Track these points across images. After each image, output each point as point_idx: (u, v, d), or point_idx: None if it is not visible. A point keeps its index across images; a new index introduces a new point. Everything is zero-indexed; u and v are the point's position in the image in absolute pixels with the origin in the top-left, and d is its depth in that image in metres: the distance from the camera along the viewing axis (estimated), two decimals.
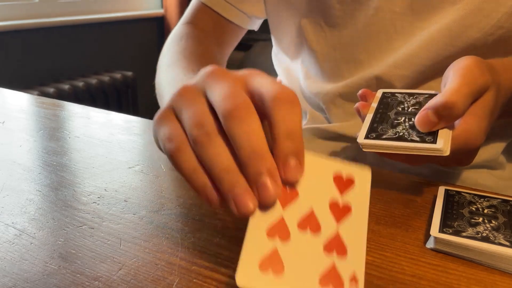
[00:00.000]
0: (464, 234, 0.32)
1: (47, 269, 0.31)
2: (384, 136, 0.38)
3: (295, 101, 0.28)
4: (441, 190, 0.40)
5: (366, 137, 0.38)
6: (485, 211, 0.36)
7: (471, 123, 0.37)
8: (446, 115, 0.36)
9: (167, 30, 2.49)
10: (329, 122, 0.61)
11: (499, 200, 0.38)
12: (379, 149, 0.38)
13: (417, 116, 0.37)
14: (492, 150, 0.53)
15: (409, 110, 0.41)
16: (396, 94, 0.44)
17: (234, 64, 2.76)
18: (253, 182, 0.25)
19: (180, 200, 0.40)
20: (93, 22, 2.12)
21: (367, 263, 0.31)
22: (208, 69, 0.30)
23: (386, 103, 0.43)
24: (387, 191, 0.42)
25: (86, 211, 0.38)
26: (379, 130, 0.39)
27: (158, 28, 2.51)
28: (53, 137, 0.56)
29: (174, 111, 0.29)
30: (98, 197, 0.41)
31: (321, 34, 0.59)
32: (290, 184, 0.26)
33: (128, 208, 0.39)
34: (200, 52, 0.58)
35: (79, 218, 0.37)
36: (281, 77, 0.70)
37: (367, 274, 0.30)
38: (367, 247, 0.33)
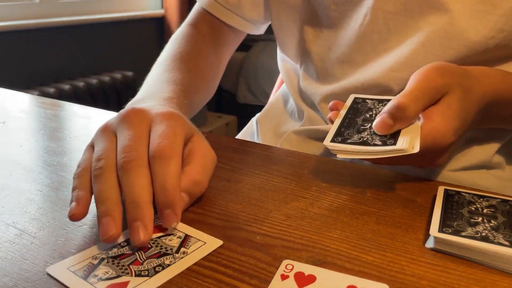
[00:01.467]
0: (463, 233, 0.32)
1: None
2: (349, 141, 0.40)
3: (168, 155, 0.34)
4: (441, 190, 0.40)
5: (332, 140, 0.41)
6: (485, 211, 0.36)
7: (438, 122, 0.39)
8: (399, 117, 0.39)
9: (167, 30, 2.49)
10: (326, 123, 0.61)
11: (498, 200, 0.38)
12: (345, 154, 0.40)
13: (375, 121, 0.41)
14: (488, 150, 0.53)
15: (376, 117, 0.43)
16: (367, 100, 0.46)
17: (234, 64, 2.76)
18: (129, 226, 0.32)
19: None
20: (93, 22, 2.12)
21: (367, 263, 0.31)
22: (124, 112, 0.38)
23: (356, 109, 0.45)
24: (387, 191, 0.42)
25: None
26: (345, 134, 0.41)
27: (158, 28, 2.51)
28: (54, 137, 0.56)
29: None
30: None
31: (318, 35, 0.60)
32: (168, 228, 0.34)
33: None
34: (192, 53, 0.61)
35: None
36: (284, 78, 0.70)
37: (367, 274, 0.30)
38: (366, 246, 0.33)
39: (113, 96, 2.11)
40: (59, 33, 1.99)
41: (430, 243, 0.33)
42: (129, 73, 2.17)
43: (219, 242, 0.33)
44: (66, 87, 1.88)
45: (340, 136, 0.41)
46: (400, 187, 0.43)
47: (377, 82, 0.53)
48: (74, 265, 0.31)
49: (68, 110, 0.68)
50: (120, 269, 0.30)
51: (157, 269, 0.30)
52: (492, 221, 0.34)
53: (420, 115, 0.41)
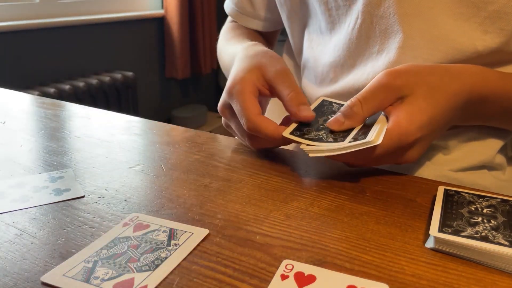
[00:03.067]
0: (463, 233, 0.33)
1: (48, 269, 0.31)
2: (306, 136, 0.44)
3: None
4: (441, 190, 0.40)
5: (291, 133, 0.45)
6: (484, 210, 0.36)
7: (401, 117, 0.42)
8: (348, 114, 0.44)
9: (167, 30, 2.49)
10: None
11: (498, 200, 0.38)
12: (310, 151, 0.42)
13: (330, 120, 0.45)
14: (489, 151, 0.53)
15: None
16: (333, 104, 0.50)
17: None
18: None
19: (180, 200, 0.40)
20: (93, 22, 2.12)
21: (366, 262, 0.31)
22: (226, 87, 0.49)
23: (321, 111, 0.49)
24: (387, 191, 0.42)
25: (86, 210, 0.38)
26: (304, 130, 0.45)
27: (158, 28, 2.51)
28: (54, 137, 0.56)
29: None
30: (99, 197, 0.41)
31: (314, 40, 0.61)
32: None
33: (129, 208, 0.39)
34: (247, 32, 0.74)
35: (79, 217, 0.37)
36: None
37: (367, 274, 0.30)
38: (366, 246, 0.33)
39: (113, 96, 2.11)
40: (59, 33, 1.99)
41: (430, 243, 0.33)
42: (129, 73, 2.17)
43: (206, 231, 0.35)
44: (66, 87, 1.88)
45: (299, 131, 0.45)
46: (400, 187, 0.43)
47: (366, 84, 0.53)
48: (68, 270, 0.30)
49: (68, 110, 0.68)
50: (119, 267, 0.30)
51: (156, 262, 0.31)
52: (492, 221, 0.34)
53: (386, 114, 0.44)
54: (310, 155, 0.42)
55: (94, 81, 2.00)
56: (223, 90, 0.50)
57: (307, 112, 0.45)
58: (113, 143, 0.54)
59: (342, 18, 0.56)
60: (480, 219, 0.35)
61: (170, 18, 2.46)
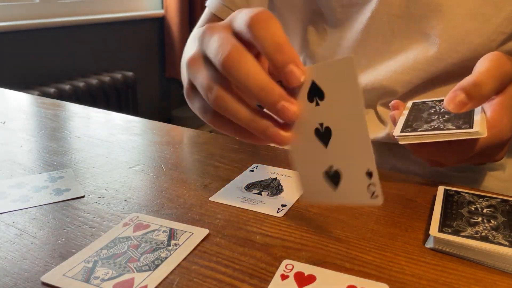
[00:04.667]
0: (463, 233, 0.33)
1: (48, 269, 0.31)
2: (420, 129, 0.38)
3: (268, 17, 0.30)
4: (441, 190, 0.40)
5: (402, 131, 0.39)
6: (484, 210, 0.36)
7: (502, 114, 0.37)
8: (474, 95, 0.36)
9: (167, 30, 2.49)
10: None
11: (498, 200, 0.38)
12: (415, 140, 0.37)
13: (447, 97, 0.37)
14: None
15: (441, 110, 0.41)
16: (426, 102, 0.45)
17: None
18: (282, 71, 0.29)
19: (180, 200, 0.40)
20: (93, 22, 2.12)
21: (366, 262, 0.31)
22: (201, 29, 0.34)
23: (417, 109, 0.43)
24: (387, 191, 0.42)
25: (86, 210, 0.38)
26: (414, 126, 0.39)
27: (158, 28, 2.51)
28: (54, 137, 0.56)
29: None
30: (99, 197, 0.41)
31: (323, 37, 0.60)
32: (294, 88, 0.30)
33: (129, 208, 0.39)
34: None
35: (79, 217, 0.37)
36: None
37: (367, 274, 0.30)
38: (366, 246, 0.33)
39: (113, 96, 2.11)
40: (59, 33, 1.99)
41: (430, 243, 0.33)
42: (129, 73, 2.17)
43: (205, 231, 0.34)
44: (66, 87, 1.88)
45: (409, 127, 0.39)
46: (400, 187, 0.43)
47: (382, 84, 0.53)
48: (68, 270, 0.30)
49: (68, 110, 0.68)
50: (119, 267, 0.30)
51: (156, 262, 0.31)
52: (492, 221, 0.34)
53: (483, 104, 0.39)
54: (401, 142, 0.38)
55: (94, 81, 2.00)
56: None
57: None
58: (113, 143, 0.54)
59: (354, 15, 0.55)
60: (480, 219, 0.35)
61: (170, 18, 2.46)
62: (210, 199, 0.40)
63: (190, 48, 0.61)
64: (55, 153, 0.51)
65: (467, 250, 0.32)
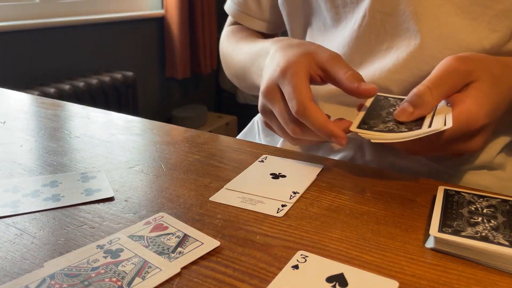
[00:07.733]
0: (463, 233, 0.33)
1: None
2: (375, 129, 0.42)
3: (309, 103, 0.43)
4: (441, 190, 0.40)
5: (358, 127, 0.43)
6: (485, 210, 0.36)
7: (470, 103, 0.40)
8: (417, 103, 0.41)
9: (167, 30, 2.49)
10: None
11: (498, 200, 0.38)
12: (376, 139, 0.41)
13: (396, 110, 0.43)
14: (491, 151, 0.53)
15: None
16: (389, 98, 0.48)
17: None
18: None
19: (180, 200, 0.40)
20: (93, 22, 2.12)
21: (366, 262, 0.31)
22: (279, 67, 0.45)
23: (379, 105, 0.46)
24: (387, 191, 0.42)
25: (86, 210, 0.38)
26: (371, 123, 0.43)
27: (158, 28, 2.51)
28: (54, 137, 0.56)
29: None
30: None
31: (318, 37, 0.61)
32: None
33: (129, 208, 0.39)
34: (253, 33, 0.72)
35: (79, 217, 0.37)
36: None
37: (367, 274, 0.30)
38: (366, 246, 0.33)
39: (113, 96, 2.11)
40: (59, 33, 1.98)
41: (430, 243, 0.33)
42: (129, 73, 2.17)
43: (216, 243, 0.33)
44: (66, 87, 1.88)
45: (366, 124, 0.43)
46: (400, 187, 0.43)
47: (376, 83, 0.53)
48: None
49: (68, 110, 0.68)
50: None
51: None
52: (492, 221, 0.34)
53: (448, 101, 0.42)
54: (372, 141, 0.41)
55: (94, 81, 2.00)
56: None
57: (369, 86, 0.43)
58: (113, 143, 0.54)
59: (349, 15, 0.55)
60: (480, 219, 0.35)
61: (170, 18, 2.46)
62: (210, 199, 0.40)
63: (230, 48, 0.70)
64: (55, 153, 0.51)
65: (467, 250, 0.32)
